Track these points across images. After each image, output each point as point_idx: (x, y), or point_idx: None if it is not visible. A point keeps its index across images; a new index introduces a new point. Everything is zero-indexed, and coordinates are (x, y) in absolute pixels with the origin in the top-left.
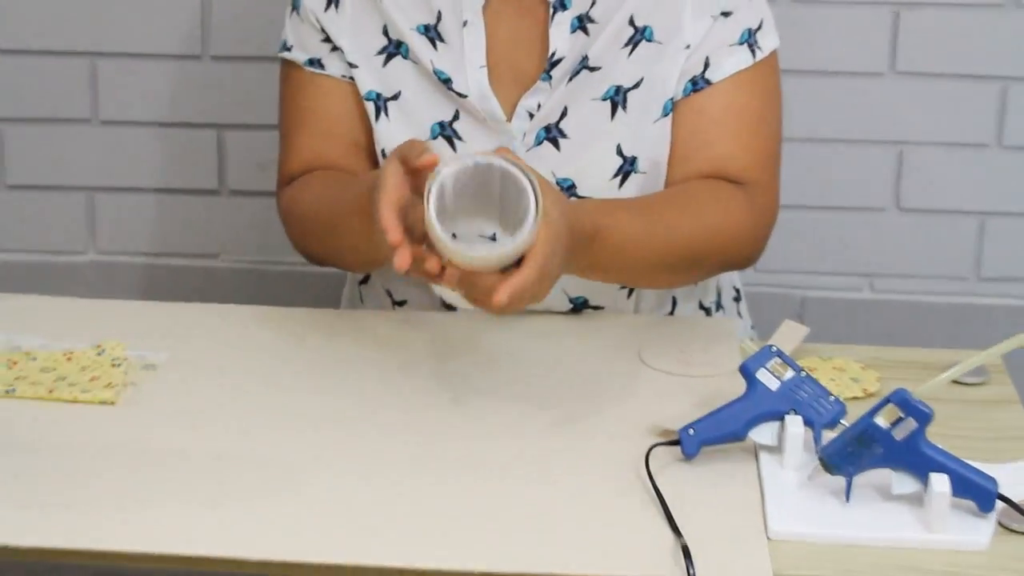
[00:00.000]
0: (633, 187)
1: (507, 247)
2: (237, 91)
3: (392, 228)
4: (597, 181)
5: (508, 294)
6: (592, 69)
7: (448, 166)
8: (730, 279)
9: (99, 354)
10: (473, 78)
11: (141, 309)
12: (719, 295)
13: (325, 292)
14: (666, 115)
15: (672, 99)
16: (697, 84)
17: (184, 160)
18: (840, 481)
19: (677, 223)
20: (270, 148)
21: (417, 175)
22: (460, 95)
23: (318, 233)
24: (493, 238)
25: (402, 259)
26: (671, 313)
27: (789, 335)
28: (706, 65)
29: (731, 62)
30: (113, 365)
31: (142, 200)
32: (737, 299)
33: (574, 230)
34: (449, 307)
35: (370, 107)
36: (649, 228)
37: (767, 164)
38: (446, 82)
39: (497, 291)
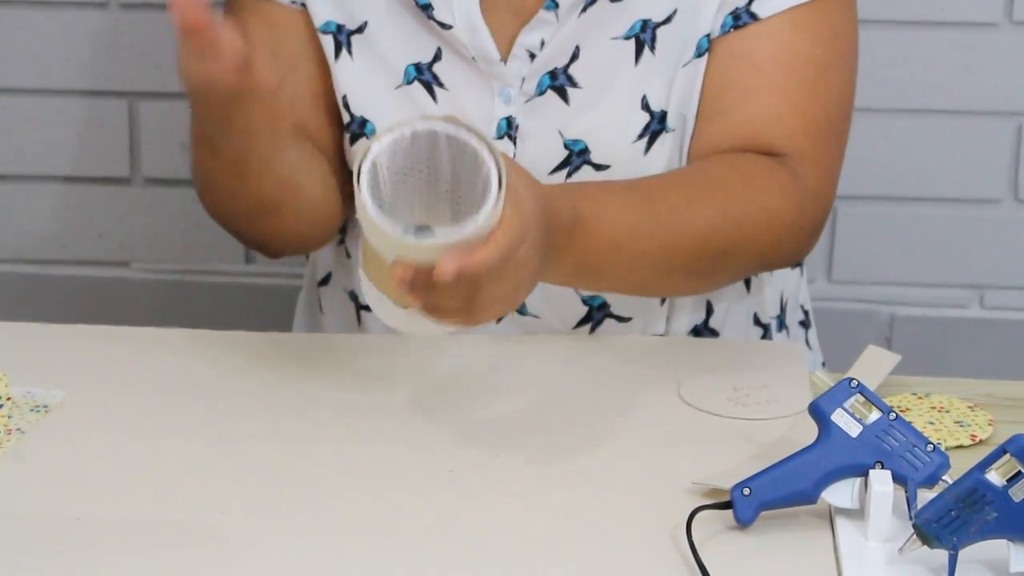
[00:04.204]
0: (662, 151)
1: (467, 229)
2: (154, 49)
3: None
4: (617, 143)
5: (457, 265)
6: None
7: (379, 140)
8: (796, 293)
9: None
10: (460, 3)
11: (29, 333)
12: (783, 310)
13: (271, 309)
14: (699, 56)
15: (708, 36)
16: (740, 18)
17: (85, 139)
18: (941, 556)
19: (688, 208)
20: None
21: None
22: (443, 25)
23: (222, 175)
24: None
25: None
26: (711, 328)
27: (874, 365)
28: None
29: None
30: None
31: (28, 191)
32: (805, 324)
33: (548, 215)
34: None
35: (327, 42)
36: (648, 216)
37: (823, 135)
38: (425, 8)
39: (443, 260)
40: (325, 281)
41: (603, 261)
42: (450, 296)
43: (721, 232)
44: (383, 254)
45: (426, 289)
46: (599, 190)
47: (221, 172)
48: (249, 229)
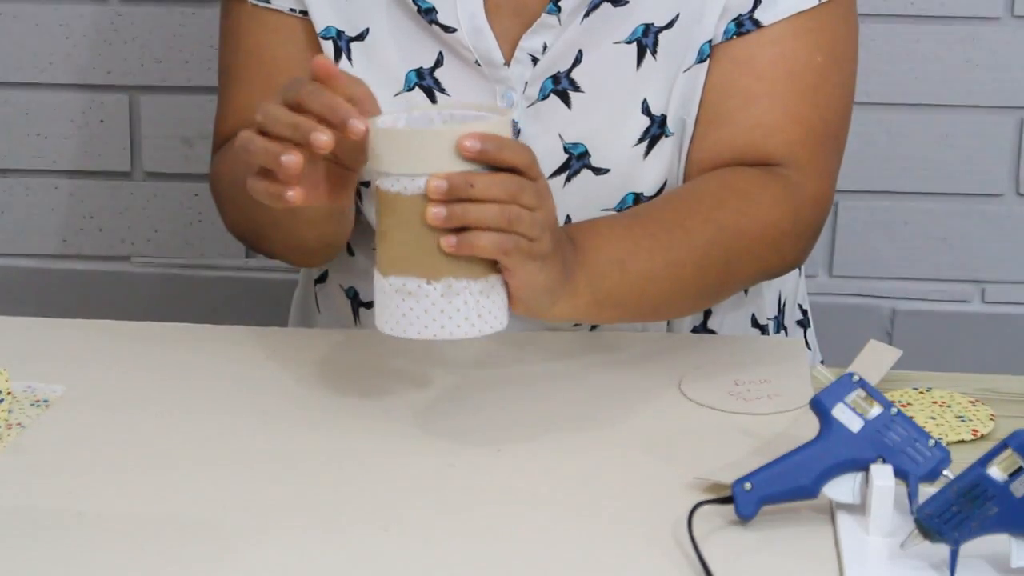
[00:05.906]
0: (662, 155)
1: (492, 118)
2: (155, 42)
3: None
4: (616, 147)
5: (482, 137)
6: (616, 2)
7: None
8: (795, 293)
9: None
10: (464, 6)
11: (29, 327)
12: (780, 311)
13: (269, 303)
14: (701, 61)
15: (710, 42)
16: (743, 25)
17: (85, 134)
18: (942, 551)
19: (682, 225)
20: (198, 116)
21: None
22: (446, 29)
23: (240, 206)
24: None
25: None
26: (710, 329)
27: (875, 360)
28: (757, 1)
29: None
30: None
31: (29, 186)
32: (804, 323)
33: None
34: None
35: (327, 48)
36: (642, 234)
37: (821, 142)
38: (428, 13)
39: (466, 136)
40: (322, 279)
41: (614, 283)
42: (489, 197)
43: (720, 245)
44: (408, 202)
45: (463, 196)
46: (585, 222)
47: (276, 242)
48: (280, 257)
